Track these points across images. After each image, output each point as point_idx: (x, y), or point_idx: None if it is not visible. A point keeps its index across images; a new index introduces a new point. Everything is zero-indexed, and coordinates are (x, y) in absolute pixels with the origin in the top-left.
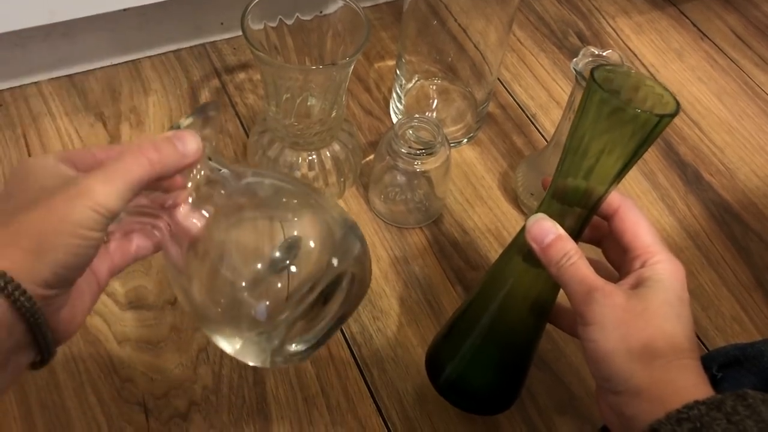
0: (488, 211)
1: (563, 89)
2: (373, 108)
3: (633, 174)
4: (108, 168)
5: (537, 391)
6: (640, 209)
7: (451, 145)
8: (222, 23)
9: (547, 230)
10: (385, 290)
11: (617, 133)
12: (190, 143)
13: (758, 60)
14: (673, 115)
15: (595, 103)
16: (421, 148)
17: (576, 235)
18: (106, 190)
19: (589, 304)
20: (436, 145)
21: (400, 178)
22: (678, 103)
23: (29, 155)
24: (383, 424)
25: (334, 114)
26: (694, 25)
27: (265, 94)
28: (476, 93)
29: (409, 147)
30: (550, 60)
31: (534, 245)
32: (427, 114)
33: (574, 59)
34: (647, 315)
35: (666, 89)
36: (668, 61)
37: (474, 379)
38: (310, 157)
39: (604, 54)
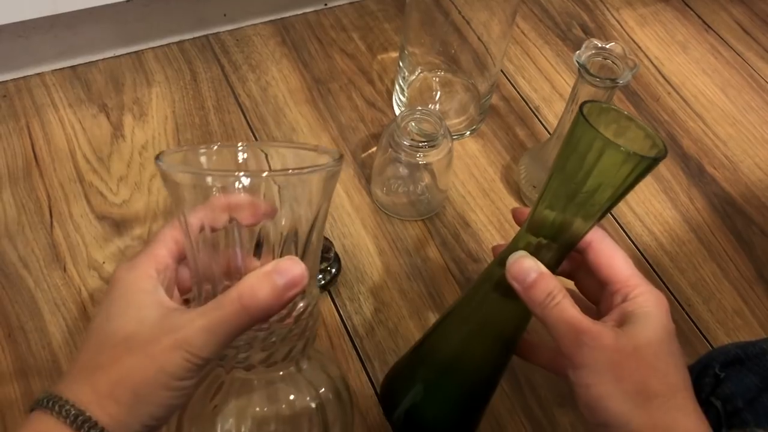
0: (490, 204)
1: (566, 81)
2: (376, 100)
3: None
4: (208, 316)
5: (537, 383)
6: (612, 241)
7: (454, 137)
8: (225, 14)
9: (529, 269)
10: (387, 282)
11: (605, 173)
12: (293, 272)
13: (763, 53)
14: (662, 158)
15: (585, 140)
16: (424, 140)
17: (552, 270)
18: (203, 340)
19: (578, 347)
20: (439, 137)
21: (403, 171)
22: (665, 147)
23: (33, 147)
24: (384, 416)
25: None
26: (699, 17)
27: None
28: (479, 85)
29: (412, 139)
30: (554, 52)
31: (515, 284)
32: (429, 106)
33: (578, 52)
34: (639, 354)
35: (652, 130)
36: (672, 54)
37: (432, 413)
38: None
39: (607, 47)
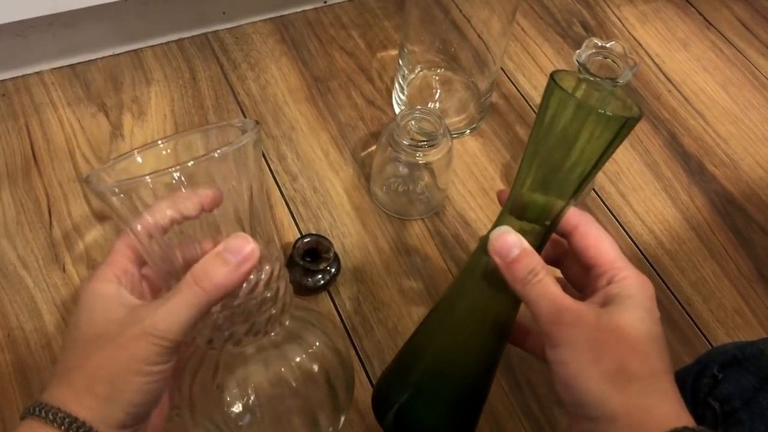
0: (490, 203)
1: None
2: (376, 98)
3: (636, 165)
4: (168, 302)
5: (536, 382)
6: (599, 225)
7: (454, 136)
8: (224, 12)
9: (512, 244)
10: (386, 282)
11: (581, 140)
12: (244, 249)
13: (765, 50)
14: (639, 118)
15: (559, 106)
16: (423, 139)
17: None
18: (167, 324)
19: (558, 324)
20: (438, 136)
21: (402, 170)
22: (640, 110)
23: (31, 146)
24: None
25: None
26: (700, 14)
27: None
28: (479, 83)
29: (411, 138)
30: (554, 50)
31: (498, 260)
32: (429, 104)
33: (578, 51)
34: (619, 334)
35: (627, 97)
36: (673, 51)
37: (425, 416)
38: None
39: (607, 45)
